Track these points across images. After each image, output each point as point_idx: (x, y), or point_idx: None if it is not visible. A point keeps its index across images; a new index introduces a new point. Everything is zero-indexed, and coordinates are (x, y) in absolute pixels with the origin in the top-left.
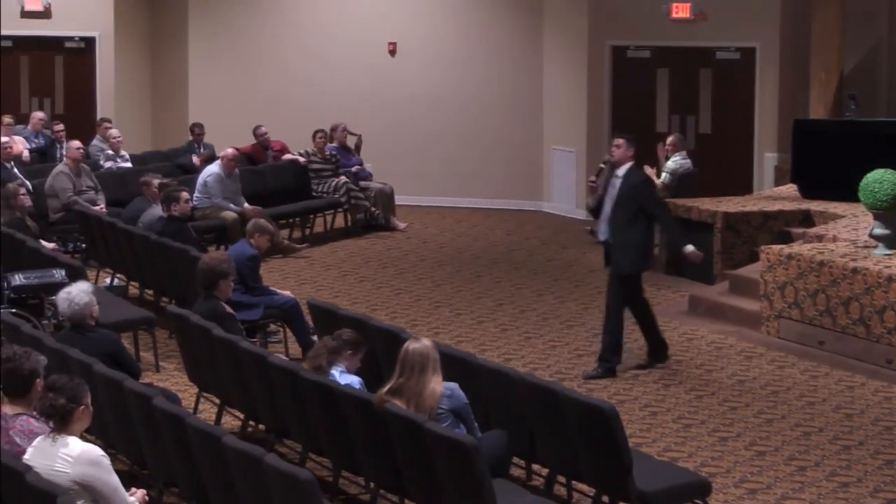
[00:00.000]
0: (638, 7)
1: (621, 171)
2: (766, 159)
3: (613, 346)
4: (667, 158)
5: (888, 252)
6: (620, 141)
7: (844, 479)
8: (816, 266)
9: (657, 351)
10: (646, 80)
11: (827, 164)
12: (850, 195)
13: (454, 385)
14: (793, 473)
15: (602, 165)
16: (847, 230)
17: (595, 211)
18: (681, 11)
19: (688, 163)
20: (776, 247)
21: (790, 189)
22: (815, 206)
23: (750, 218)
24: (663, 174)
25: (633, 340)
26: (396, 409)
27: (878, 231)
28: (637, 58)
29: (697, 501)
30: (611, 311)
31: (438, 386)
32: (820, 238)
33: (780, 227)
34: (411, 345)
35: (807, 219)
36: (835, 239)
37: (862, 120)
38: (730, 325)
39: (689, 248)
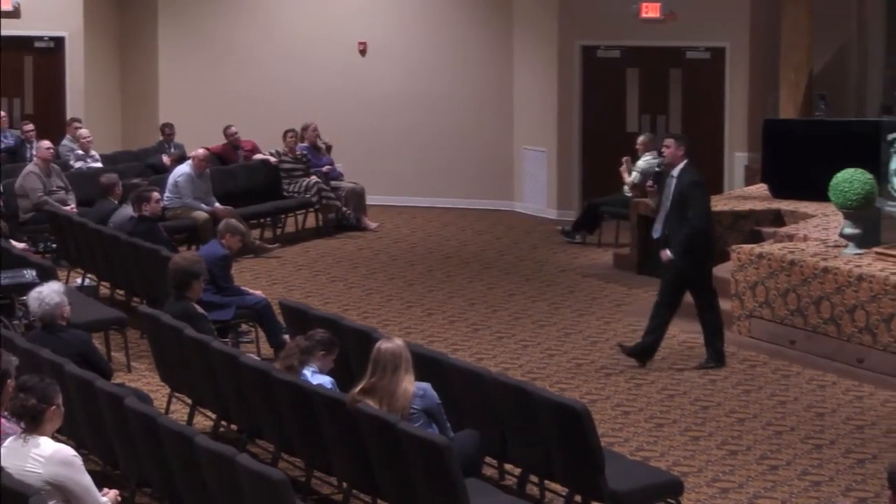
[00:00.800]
0: (608, 7)
1: (676, 170)
2: (737, 159)
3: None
4: (638, 158)
5: (858, 251)
6: (670, 141)
7: (816, 477)
8: (787, 265)
9: (720, 356)
10: (616, 80)
11: (797, 164)
12: (821, 195)
13: (427, 385)
14: (765, 472)
15: (658, 168)
16: (817, 230)
17: (657, 212)
18: (650, 11)
19: (658, 162)
20: (747, 246)
21: (760, 189)
22: (785, 205)
23: (721, 218)
24: (633, 173)
25: (605, 340)
26: (369, 409)
27: (849, 230)
28: (607, 58)
29: (670, 501)
30: (661, 304)
31: (411, 385)
32: (790, 237)
33: (750, 226)
34: (383, 344)
35: (777, 218)
36: (805, 238)
37: (831, 120)
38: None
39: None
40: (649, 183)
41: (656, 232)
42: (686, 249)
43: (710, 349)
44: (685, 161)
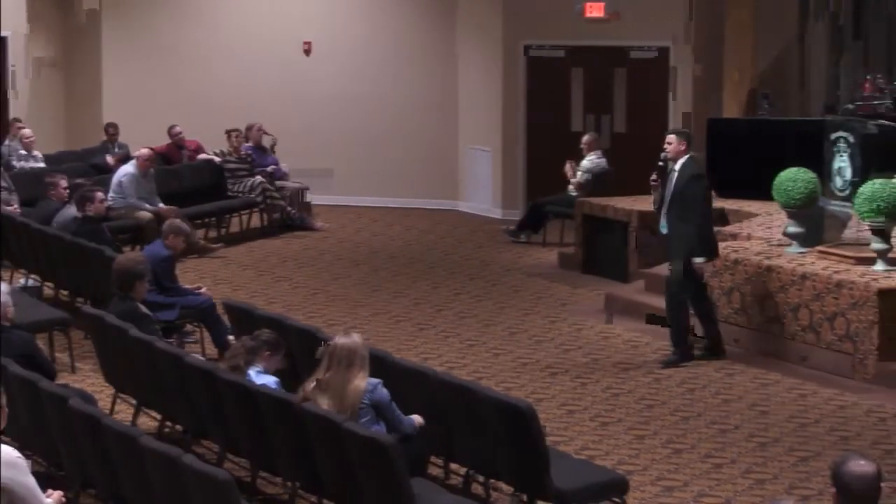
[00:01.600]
0: (552, 7)
1: (678, 164)
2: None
3: (682, 333)
4: (582, 157)
5: (802, 250)
6: (671, 137)
7: (760, 475)
8: (731, 264)
9: (715, 345)
10: (560, 80)
11: (741, 163)
12: (764, 194)
13: (378, 381)
14: (709, 471)
15: (661, 163)
16: (761, 228)
17: (660, 208)
18: (594, 11)
19: (603, 162)
20: None
21: None
22: (729, 204)
23: None
24: (578, 173)
25: (550, 339)
26: (315, 408)
27: (792, 229)
28: (551, 57)
29: (615, 499)
30: (672, 300)
31: (362, 382)
32: (734, 237)
33: None
34: (340, 339)
35: (721, 217)
36: (749, 237)
37: (775, 119)
38: (646, 323)
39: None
40: (653, 177)
41: (663, 228)
42: (698, 246)
43: (708, 340)
44: (687, 155)
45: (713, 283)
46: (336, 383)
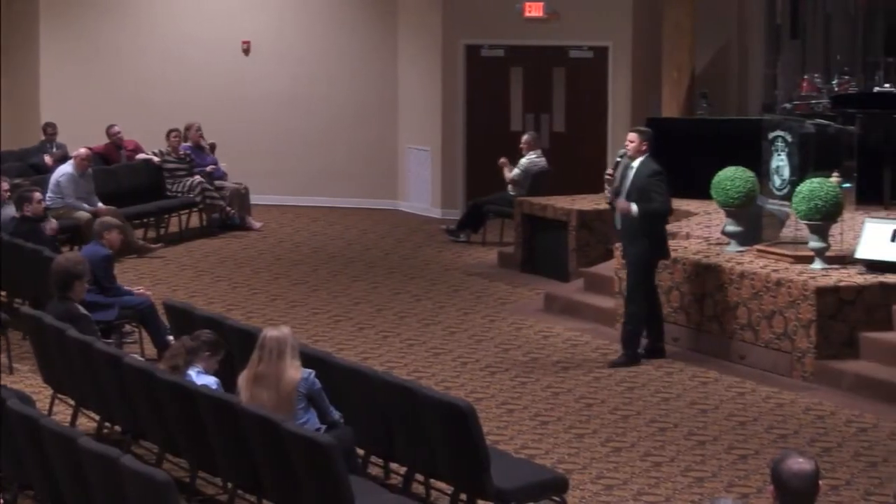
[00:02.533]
0: (491, 6)
1: (636, 162)
2: None
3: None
4: (521, 157)
5: (740, 249)
6: (633, 135)
7: (699, 474)
8: (670, 263)
9: (655, 347)
10: (500, 79)
11: (679, 162)
12: (703, 193)
13: (311, 371)
14: (648, 469)
15: (618, 159)
16: (700, 227)
17: (613, 203)
18: (534, 11)
19: (542, 161)
20: None
21: None
22: None
23: (604, 216)
24: (515, 170)
25: (490, 338)
26: (254, 408)
27: (731, 228)
28: (491, 57)
29: (555, 498)
30: (630, 299)
31: (297, 372)
32: (673, 236)
33: None
34: (269, 332)
35: None
36: (688, 236)
37: (713, 118)
38: (585, 322)
39: (628, 203)
40: (608, 171)
41: (617, 223)
42: (649, 214)
43: (629, 347)
44: (646, 155)
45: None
46: (270, 374)
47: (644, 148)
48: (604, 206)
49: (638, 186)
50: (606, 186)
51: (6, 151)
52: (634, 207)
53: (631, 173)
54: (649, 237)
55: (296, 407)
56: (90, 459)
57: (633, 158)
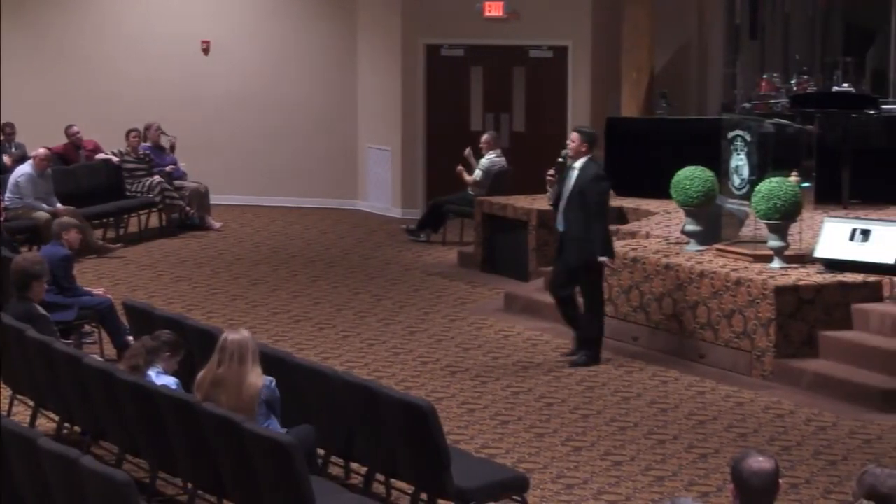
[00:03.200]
0: (451, 6)
1: (578, 163)
2: None
3: (598, 333)
4: (481, 156)
5: (700, 248)
6: (575, 135)
7: (659, 473)
8: (630, 263)
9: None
10: (460, 79)
11: (639, 162)
12: (662, 192)
13: (272, 379)
14: (609, 468)
15: (560, 159)
16: (659, 227)
17: (555, 204)
18: (494, 10)
19: (502, 160)
20: None
21: None
22: (627, 203)
23: None
24: (477, 172)
25: (451, 338)
26: (214, 408)
27: (690, 227)
28: (451, 56)
29: (515, 497)
30: (583, 301)
31: (259, 379)
32: (633, 235)
33: None
34: (230, 335)
35: (620, 216)
36: (647, 236)
37: (673, 118)
38: (545, 321)
39: (603, 259)
40: (550, 172)
41: (559, 225)
42: (610, 245)
43: (587, 346)
44: (589, 155)
45: (612, 281)
46: (231, 378)
47: (585, 149)
48: None
49: (580, 189)
50: (548, 188)
51: None
52: (602, 259)
53: (574, 174)
54: (597, 245)
55: (256, 413)
56: (50, 460)
57: (574, 159)
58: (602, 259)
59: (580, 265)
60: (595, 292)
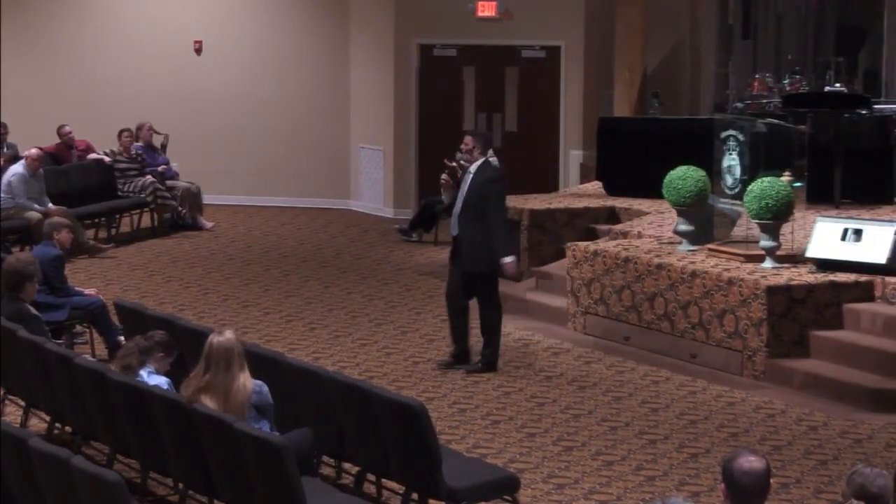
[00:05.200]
0: (444, 5)
1: (473, 167)
2: (572, 157)
3: (494, 339)
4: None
5: (692, 248)
6: (468, 138)
7: (651, 472)
8: (622, 262)
9: (493, 360)
10: (452, 79)
11: (631, 162)
12: (655, 192)
13: (262, 383)
14: (600, 468)
15: (452, 164)
16: (652, 227)
17: (450, 207)
18: (486, 10)
19: (494, 160)
20: (582, 244)
21: (595, 186)
22: (620, 202)
23: (556, 215)
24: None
25: (442, 338)
26: (205, 409)
27: (682, 227)
28: (443, 56)
29: (506, 497)
30: (456, 306)
31: (248, 382)
32: (625, 235)
33: (585, 224)
34: (215, 339)
35: (612, 216)
36: (640, 235)
37: (665, 118)
38: (537, 321)
39: (508, 259)
40: (443, 177)
41: (453, 229)
42: (510, 245)
43: (488, 352)
44: (483, 158)
45: (605, 281)
46: (219, 384)
47: (479, 151)
48: (555, 205)
49: (476, 192)
50: (443, 191)
51: None
52: (507, 259)
53: (469, 178)
54: (501, 246)
55: (246, 417)
56: (41, 460)
57: (469, 162)
58: (506, 260)
59: (476, 272)
60: (492, 297)
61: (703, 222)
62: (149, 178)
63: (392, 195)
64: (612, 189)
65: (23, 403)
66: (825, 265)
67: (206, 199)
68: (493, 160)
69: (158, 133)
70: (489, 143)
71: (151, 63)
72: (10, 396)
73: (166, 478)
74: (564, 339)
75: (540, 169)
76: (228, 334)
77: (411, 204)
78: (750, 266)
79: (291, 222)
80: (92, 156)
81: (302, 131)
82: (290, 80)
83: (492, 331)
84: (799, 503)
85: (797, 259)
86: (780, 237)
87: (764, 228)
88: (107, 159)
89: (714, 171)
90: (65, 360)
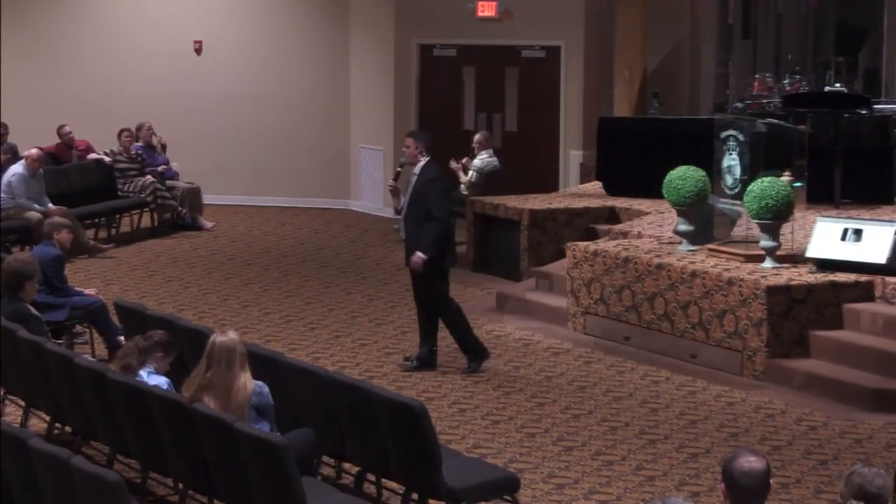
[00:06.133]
0: (444, 5)
1: (417, 168)
2: (572, 157)
3: (430, 340)
4: (473, 156)
5: (692, 248)
6: (409, 140)
7: (650, 472)
8: (622, 262)
9: (477, 350)
10: (452, 79)
11: (631, 162)
12: (655, 192)
13: (262, 384)
14: (600, 468)
15: (399, 168)
16: (652, 227)
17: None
18: (486, 10)
19: (494, 160)
20: (582, 244)
21: (595, 186)
22: (620, 202)
23: (556, 215)
24: (470, 172)
25: (442, 338)
26: (205, 409)
27: (682, 227)
28: (443, 56)
29: (506, 497)
30: (423, 308)
31: (249, 382)
32: (625, 235)
33: (585, 224)
34: (218, 338)
35: (612, 216)
36: (640, 235)
37: (665, 118)
38: (537, 321)
39: (422, 255)
40: (391, 183)
41: (401, 232)
42: (437, 246)
43: (469, 349)
44: (426, 159)
45: (605, 281)
46: (219, 383)
47: (421, 153)
48: (555, 205)
49: (418, 193)
50: (392, 197)
51: None
52: (420, 255)
53: (413, 180)
54: (438, 248)
55: (246, 418)
56: (41, 460)
57: (413, 164)
58: (419, 254)
59: (420, 272)
60: (437, 298)
61: (703, 222)
62: (149, 178)
63: (392, 195)
64: (612, 189)
65: (23, 403)
66: (825, 265)
67: (206, 199)
68: (433, 165)
69: (156, 135)
70: (430, 141)
71: (151, 63)
72: (11, 396)
73: (166, 478)
74: (564, 339)
75: (540, 169)
76: (231, 334)
77: None
78: (750, 266)
79: (291, 222)
80: (92, 156)
81: (302, 131)
82: (290, 80)
83: (431, 331)
84: (799, 503)
85: (797, 259)
86: (780, 237)
87: (764, 228)
88: (107, 159)
89: (714, 171)
90: (65, 360)
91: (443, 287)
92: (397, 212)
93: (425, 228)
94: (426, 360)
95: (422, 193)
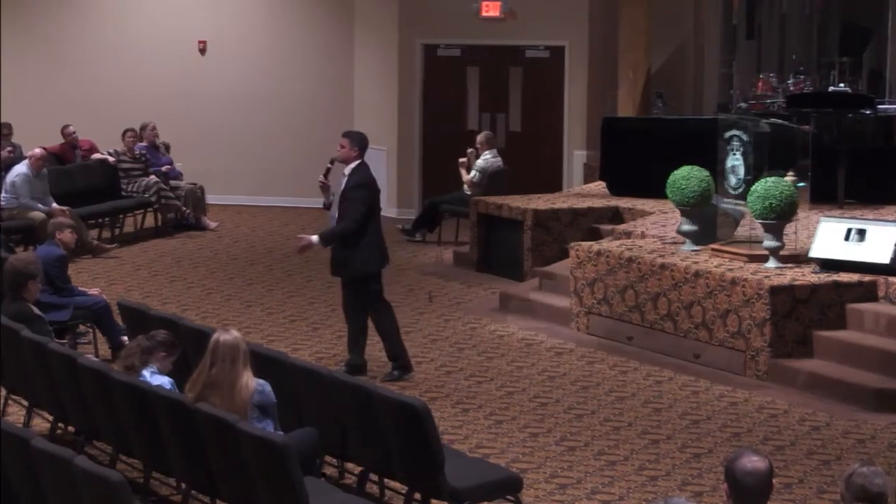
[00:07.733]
0: (448, 5)
1: (348, 169)
2: (576, 157)
3: (358, 345)
4: (477, 156)
5: (695, 248)
6: (345, 141)
7: (653, 472)
8: (625, 262)
9: (399, 357)
10: (456, 79)
11: (635, 162)
12: (658, 192)
13: (265, 382)
14: (602, 468)
15: (329, 165)
16: (655, 227)
17: (329, 208)
18: (491, 10)
19: (498, 160)
20: (585, 244)
21: (599, 186)
22: (623, 202)
23: (559, 215)
24: (473, 172)
25: (445, 338)
26: (208, 408)
27: (686, 227)
28: (447, 56)
29: (509, 497)
30: (351, 315)
31: (251, 381)
32: (628, 235)
33: (589, 224)
34: (221, 336)
35: (616, 216)
36: (643, 235)
37: (669, 118)
38: (540, 321)
39: (315, 239)
40: (321, 179)
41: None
42: (333, 242)
43: (396, 359)
44: (358, 161)
45: (608, 281)
46: (223, 381)
47: (355, 153)
48: (559, 205)
49: (345, 196)
50: (322, 193)
51: None
52: (315, 238)
53: (343, 181)
54: (369, 248)
55: (249, 416)
56: (44, 460)
57: (345, 164)
58: (313, 237)
59: (352, 277)
60: (376, 301)
61: (707, 222)
62: (152, 178)
63: (396, 195)
64: (616, 189)
65: (26, 403)
66: (828, 265)
67: (210, 199)
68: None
69: (158, 137)
70: (366, 145)
71: (155, 63)
72: (13, 396)
73: (169, 478)
74: (568, 339)
75: (544, 169)
76: (234, 333)
77: (415, 204)
78: (753, 266)
79: (295, 222)
80: (96, 156)
81: (305, 131)
82: (294, 80)
83: (389, 334)
84: (801, 503)
85: (800, 259)
86: (784, 237)
87: (767, 228)
88: (110, 159)
89: (718, 171)
90: (68, 360)
91: (375, 286)
92: (326, 207)
93: (337, 224)
94: (357, 366)
95: (347, 197)
